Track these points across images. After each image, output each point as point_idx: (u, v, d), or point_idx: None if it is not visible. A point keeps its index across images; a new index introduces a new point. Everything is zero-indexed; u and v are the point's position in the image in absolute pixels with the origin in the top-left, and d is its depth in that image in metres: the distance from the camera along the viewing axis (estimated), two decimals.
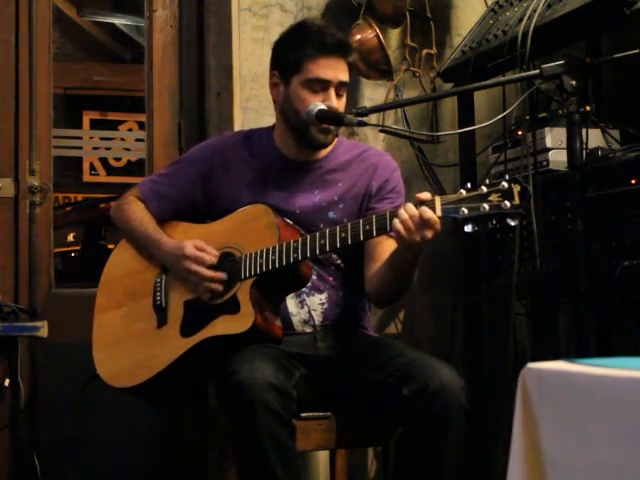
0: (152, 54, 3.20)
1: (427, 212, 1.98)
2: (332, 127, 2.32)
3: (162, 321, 2.32)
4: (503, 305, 2.81)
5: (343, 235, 2.11)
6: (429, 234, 2.00)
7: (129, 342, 2.36)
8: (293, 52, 2.33)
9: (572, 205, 2.45)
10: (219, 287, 2.23)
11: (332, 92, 2.30)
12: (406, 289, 2.30)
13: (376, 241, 2.23)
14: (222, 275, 2.24)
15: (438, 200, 1.99)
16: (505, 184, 1.93)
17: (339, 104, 2.32)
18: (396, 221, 2.01)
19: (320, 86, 2.30)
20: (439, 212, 1.98)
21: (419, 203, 2.01)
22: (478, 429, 2.87)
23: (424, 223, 1.98)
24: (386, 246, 2.23)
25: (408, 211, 2.00)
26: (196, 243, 2.28)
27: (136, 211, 2.45)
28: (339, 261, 2.37)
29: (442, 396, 2.04)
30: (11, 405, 2.88)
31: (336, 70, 2.30)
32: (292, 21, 3.05)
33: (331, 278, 2.37)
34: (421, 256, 2.17)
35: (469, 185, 1.98)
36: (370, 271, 2.30)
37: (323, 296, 2.35)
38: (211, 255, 2.26)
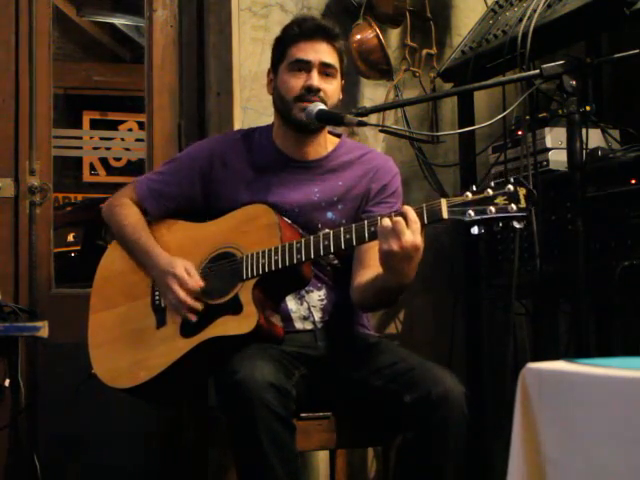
0: (152, 54, 3.20)
1: (410, 212, 1.98)
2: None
3: (161, 321, 2.31)
4: (503, 305, 2.82)
5: (347, 237, 2.09)
6: (409, 239, 1.96)
7: (127, 342, 2.35)
8: (279, 45, 2.39)
9: (572, 205, 2.45)
10: (192, 317, 2.22)
11: (314, 73, 2.31)
12: (385, 309, 2.34)
13: (368, 246, 2.20)
14: (199, 306, 2.23)
15: (444, 202, 1.97)
16: (511, 187, 1.93)
17: (325, 86, 2.31)
18: (379, 224, 2.00)
19: (302, 67, 2.32)
20: (445, 214, 1.97)
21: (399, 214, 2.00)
22: (478, 430, 2.87)
23: (407, 225, 1.97)
24: (376, 252, 2.21)
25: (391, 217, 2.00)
26: (187, 265, 2.27)
27: (129, 216, 2.43)
28: (336, 261, 2.37)
29: (444, 404, 2.03)
30: (11, 405, 2.88)
31: (317, 52, 2.32)
32: None
33: (328, 278, 2.37)
34: (406, 291, 2.15)
35: (474, 188, 1.97)
36: (356, 279, 2.29)
37: (322, 292, 2.35)
38: (196, 282, 2.25)
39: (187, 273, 2.25)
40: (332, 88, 2.34)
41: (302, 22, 2.37)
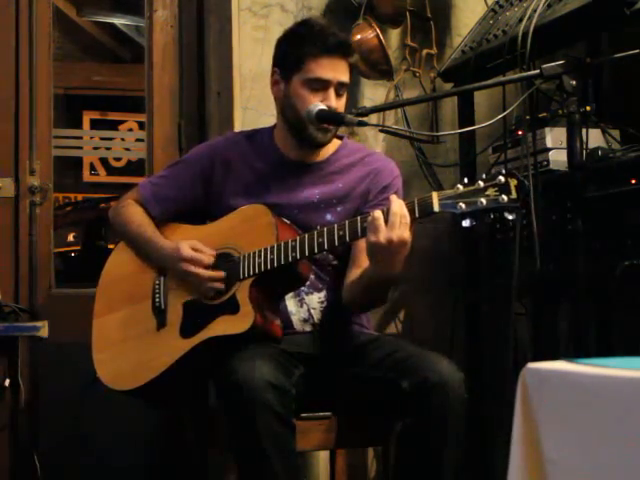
0: (152, 54, 3.20)
1: (400, 206, 2.00)
2: (331, 126, 2.33)
3: (162, 323, 2.32)
4: (503, 305, 2.81)
5: (341, 233, 2.11)
6: (398, 233, 2.00)
7: (129, 345, 2.36)
8: (295, 50, 2.33)
9: (572, 205, 2.45)
10: (220, 285, 2.24)
11: (332, 92, 2.30)
12: (375, 307, 2.37)
13: (362, 246, 2.19)
14: (221, 274, 2.24)
15: (435, 195, 1.98)
16: (502, 178, 1.94)
17: (338, 104, 2.32)
18: (370, 216, 2.03)
19: (320, 85, 2.30)
20: (436, 207, 1.98)
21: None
22: (478, 428, 2.87)
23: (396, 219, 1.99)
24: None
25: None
26: (192, 244, 2.29)
27: (134, 214, 2.44)
28: (335, 262, 2.37)
29: (441, 389, 2.04)
30: (11, 405, 2.88)
31: (336, 71, 2.30)
32: (292, 21, 3.04)
33: (328, 278, 2.37)
34: (393, 286, 2.18)
35: (466, 180, 1.98)
36: (348, 277, 2.30)
37: (322, 294, 2.36)
38: (208, 255, 2.27)
39: (195, 250, 2.27)
40: (343, 102, 2.35)
41: (324, 36, 2.31)
